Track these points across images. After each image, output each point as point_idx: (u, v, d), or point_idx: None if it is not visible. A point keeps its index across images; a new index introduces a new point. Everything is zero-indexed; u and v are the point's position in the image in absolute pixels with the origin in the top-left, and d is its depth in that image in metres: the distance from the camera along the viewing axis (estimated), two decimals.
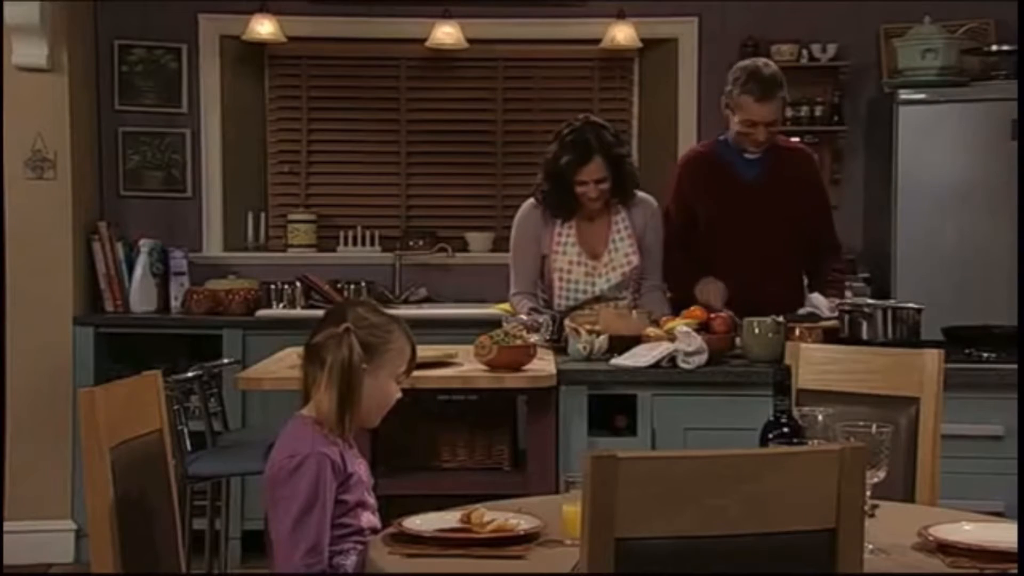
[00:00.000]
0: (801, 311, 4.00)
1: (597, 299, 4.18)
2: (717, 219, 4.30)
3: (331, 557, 2.59)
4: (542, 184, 4.24)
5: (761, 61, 4.37)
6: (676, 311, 4.02)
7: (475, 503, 2.51)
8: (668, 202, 4.43)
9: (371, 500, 2.70)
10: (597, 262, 4.24)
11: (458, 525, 2.37)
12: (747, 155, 4.30)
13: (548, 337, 3.91)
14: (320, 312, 5.24)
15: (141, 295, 5.55)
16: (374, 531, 2.62)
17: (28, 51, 5.18)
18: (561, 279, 4.23)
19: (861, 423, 2.41)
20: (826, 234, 4.46)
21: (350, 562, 2.58)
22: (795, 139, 4.90)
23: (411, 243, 5.95)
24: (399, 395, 2.75)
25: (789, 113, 5.77)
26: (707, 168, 4.36)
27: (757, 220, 4.24)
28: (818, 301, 4.04)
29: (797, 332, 3.71)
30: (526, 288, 4.30)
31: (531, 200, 4.32)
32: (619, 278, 4.24)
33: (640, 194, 4.35)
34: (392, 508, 3.00)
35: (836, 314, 3.92)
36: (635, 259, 4.25)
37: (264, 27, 5.76)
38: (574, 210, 4.22)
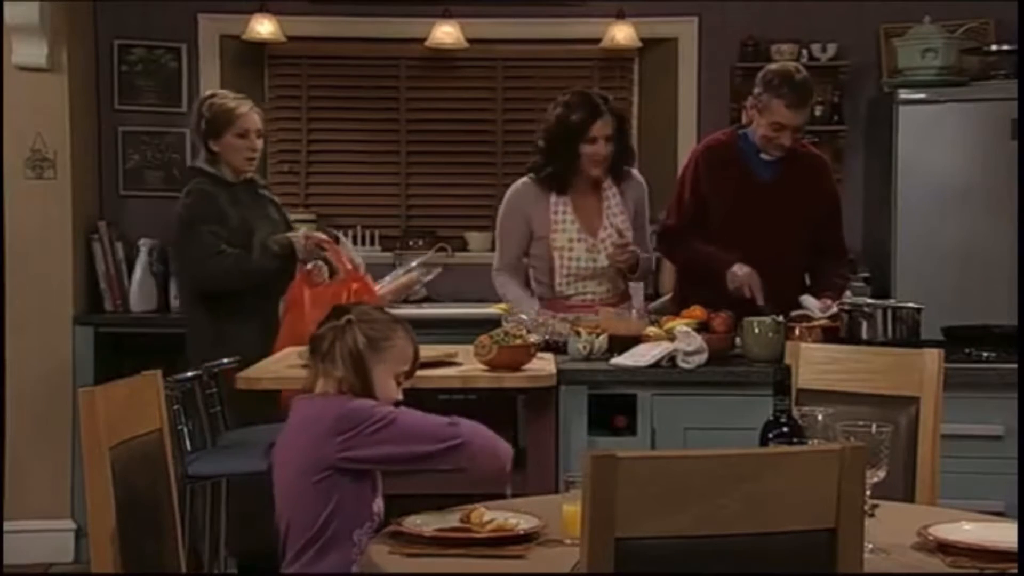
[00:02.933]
0: (793, 313, 4.01)
1: (600, 274, 4.25)
2: (728, 214, 4.29)
3: (351, 531, 2.64)
4: (543, 150, 4.23)
5: (793, 66, 4.36)
6: (688, 303, 4.00)
7: (475, 503, 2.51)
8: (680, 188, 4.42)
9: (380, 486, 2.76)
10: (595, 238, 4.24)
11: (458, 525, 2.37)
12: (764, 155, 4.29)
13: (546, 337, 3.90)
14: None
15: (141, 295, 5.55)
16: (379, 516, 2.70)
17: (28, 51, 5.18)
18: (562, 257, 4.23)
19: (861, 423, 2.41)
20: (833, 240, 4.43)
21: (368, 539, 2.61)
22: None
23: (411, 243, 5.95)
24: (399, 396, 2.76)
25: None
26: (725, 160, 4.33)
27: (767, 220, 4.23)
28: (809, 303, 4.04)
29: (797, 332, 3.72)
30: (510, 264, 4.34)
31: (525, 179, 4.32)
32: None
33: (630, 170, 4.41)
34: (392, 508, 3.00)
35: (827, 315, 3.92)
36: (629, 235, 4.25)
37: (264, 27, 5.76)
38: (571, 181, 4.23)
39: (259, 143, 4.48)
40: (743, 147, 4.31)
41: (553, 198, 4.24)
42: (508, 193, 4.37)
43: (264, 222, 4.49)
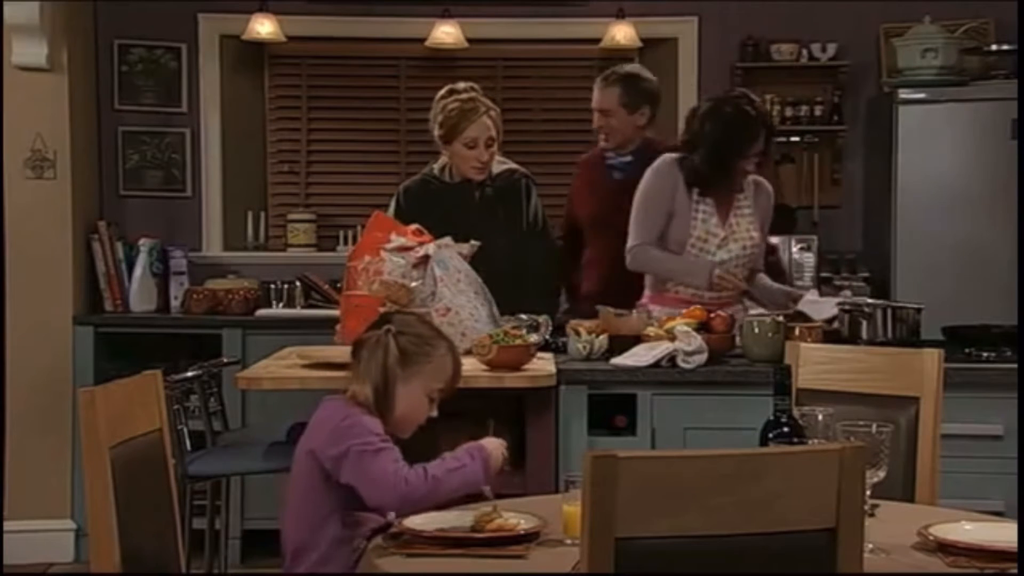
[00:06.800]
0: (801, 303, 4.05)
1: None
2: (592, 217, 4.61)
3: (352, 537, 2.65)
4: (697, 160, 4.13)
5: (630, 65, 4.80)
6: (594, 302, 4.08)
7: (475, 503, 2.51)
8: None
9: None
10: (725, 233, 4.19)
11: (466, 524, 2.37)
12: (614, 158, 4.60)
13: (547, 339, 3.90)
14: (320, 312, 5.29)
15: (141, 295, 5.55)
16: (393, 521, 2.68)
17: (28, 51, 5.18)
18: (695, 246, 4.16)
19: (861, 423, 2.42)
20: None
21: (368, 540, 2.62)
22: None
23: None
24: (432, 413, 2.76)
25: (789, 113, 5.79)
26: (587, 170, 4.75)
27: (624, 217, 4.30)
28: (810, 306, 4.05)
29: (797, 332, 3.71)
30: (650, 240, 4.17)
31: (670, 157, 4.21)
32: (739, 250, 4.19)
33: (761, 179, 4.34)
34: None
35: (836, 313, 3.92)
36: (756, 236, 4.23)
37: (264, 27, 5.76)
38: (720, 187, 4.17)
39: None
40: (604, 155, 4.66)
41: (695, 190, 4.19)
42: (656, 167, 4.22)
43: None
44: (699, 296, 4.13)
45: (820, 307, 4.02)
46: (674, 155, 4.22)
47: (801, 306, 4.08)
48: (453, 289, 3.78)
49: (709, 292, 4.14)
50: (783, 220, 5.29)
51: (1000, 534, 2.33)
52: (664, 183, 4.18)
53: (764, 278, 4.40)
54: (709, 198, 4.17)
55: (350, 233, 6.00)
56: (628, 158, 4.57)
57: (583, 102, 5.76)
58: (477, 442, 2.69)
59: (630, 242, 4.21)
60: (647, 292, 4.29)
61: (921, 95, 5.37)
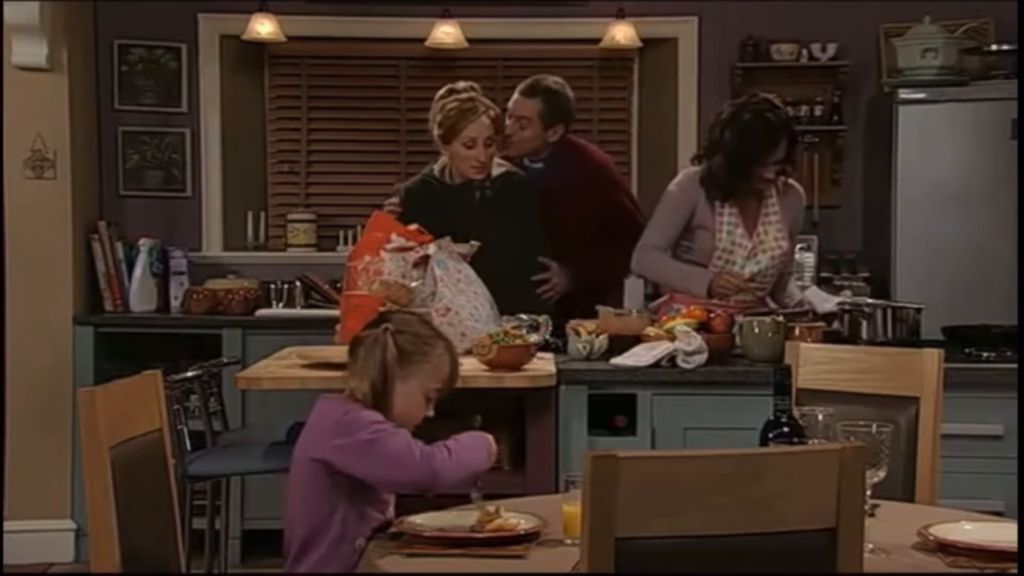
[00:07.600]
0: (796, 308, 4.04)
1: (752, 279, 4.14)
2: None
3: (354, 536, 2.64)
4: (714, 166, 4.10)
5: (553, 78, 4.70)
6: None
7: (468, 502, 2.51)
8: None
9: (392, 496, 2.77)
10: (753, 244, 4.15)
11: (467, 524, 2.37)
12: (532, 164, 4.55)
13: (547, 339, 3.91)
14: (320, 312, 5.29)
15: (141, 295, 5.55)
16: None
17: (28, 51, 5.18)
18: (721, 258, 4.14)
19: (861, 423, 2.42)
20: (627, 226, 4.53)
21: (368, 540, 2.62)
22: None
23: None
24: (429, 413, 2.76)
25: (789, 113, 5.78)
26: None
27: (552, 220, 4.33)
28: (814, 296, 4.05)
29: (797, 332, 3.72)
30: (660, 244, 4.19)
31: (693, 170, 4.21)
32: (768, 261, 4.16)
33: (791, 182, 4.30)
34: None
35: (835, 309, 3.93)
36: (785, 244, 4.19)
37: (264, 27, 5.76)
38: (740, 194, 4.14)
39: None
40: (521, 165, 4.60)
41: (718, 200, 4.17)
42: (682, 176, 4.25)
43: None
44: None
45: (824, 299, 4.04)
46: (696, 167, 4.20)
47: (807, 294, 4.09)
48: (453, 289, 3.78)
49: (735, 296, 4.11)
50: None
51: (1000, 534, 2.33)
52: (685, 194, 4.18)
53: (792, 283, 4.38)
54: (734, 208, 4.14)
55: (350, 233, 6.00)
56: (539, 164, 4.56)
57: (583, 102, 5.78)
58: (476, 431, 2.71)
59: (640, 242, 4.23)
60: None
61: (921, 95, 5.37)
